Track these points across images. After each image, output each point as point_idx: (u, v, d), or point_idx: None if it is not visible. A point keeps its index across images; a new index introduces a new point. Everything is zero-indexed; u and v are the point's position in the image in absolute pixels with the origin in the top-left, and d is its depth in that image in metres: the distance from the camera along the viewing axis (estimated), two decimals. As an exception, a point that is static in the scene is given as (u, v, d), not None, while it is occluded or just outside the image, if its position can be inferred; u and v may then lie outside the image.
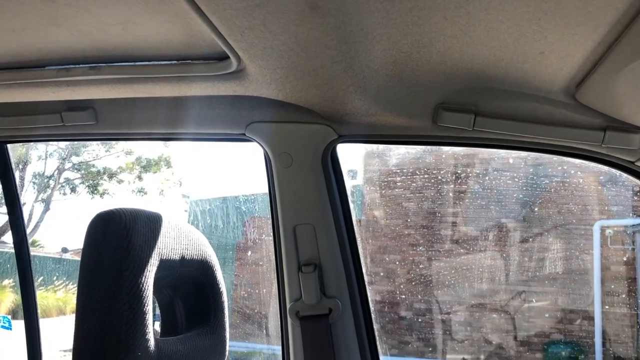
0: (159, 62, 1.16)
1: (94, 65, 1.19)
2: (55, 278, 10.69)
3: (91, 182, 14.01)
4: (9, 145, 1.76)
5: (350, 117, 1.31)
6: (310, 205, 1.40)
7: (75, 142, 11.94)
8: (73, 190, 13.91)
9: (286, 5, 0.85)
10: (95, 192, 14.16)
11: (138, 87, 1.24)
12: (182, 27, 1.02)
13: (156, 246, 1.04)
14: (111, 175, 13.95)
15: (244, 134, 1.40)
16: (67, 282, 10.65)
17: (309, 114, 1.32)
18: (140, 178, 14.32)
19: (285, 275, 1.43)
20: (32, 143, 11.03)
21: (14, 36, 1.08)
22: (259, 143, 1.40)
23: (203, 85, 1.22)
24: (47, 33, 1.06)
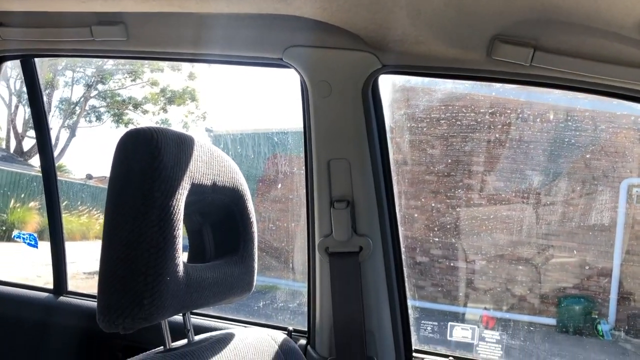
0: (197, -28, 1.08)
1: (126, -28, 1.11)
2: (79, 203, 10.90)
3: (116, 110, 14.07)
4: (36, 61, 1.71)
5: (397, 45, 1.21)
6: (347, 139, 1.33)
7: (101, 71, 11.89)
8: (98, 118, 13.97)
9: None
10: (120, 121, 14.23)
11: (172, 0, 1.16)
12: None
13: (188, 169, 0.98)
14: (136, 105, 13.97)
15: (281, 59, 1.31)
16: (90, 208, 10.87)
17: (353, 40, 1.23)
18: (164, 110, 14.33)
19: (316, 210, 1.38)
20: (59, 69, 11.02)
21: None
22: (296, 69, 1.31)
23: (242, 1, 1.13)
24: None
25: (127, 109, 14.20)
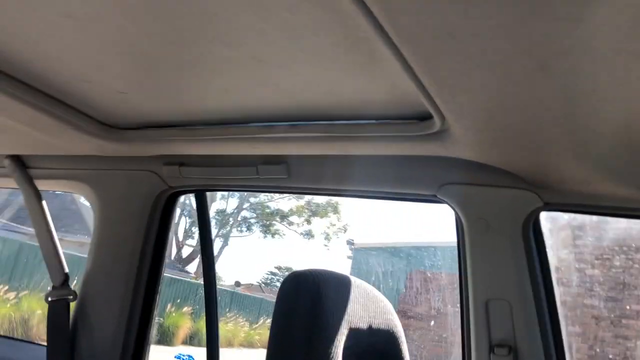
0: (357, 122, 1.15)
1: (293, 123, 1.21)
2: (227, 310, 11.42)
3: (265, 222, 14.97)
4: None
5: (560, 184, 1.16)
6: (507, 279, 1.26)
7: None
8: (249, 228, 14.95)
9: (512, 66, 0.76)
10: (268, 231, 15.09)
11: (333, 145, 1.24)
12: (386, 86, 0.99)
13: (346, 313, 0.99)
14: (283, 217, 14.78)
15: (435, 196, 1.32)
16: (237, 315, 11.30)
17: (511, 178, 1.20)
18: (308, 222, 14.96)
19: (474, 355, 1.29)
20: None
21: (226, 95, 1.14)
22: (451, 206, 1.30)
23: (399, 145, 1.17)
24: (254, 92, 1.10)
25: (274, 220, 15.07)
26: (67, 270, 1.71)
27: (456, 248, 1.37)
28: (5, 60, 1.06)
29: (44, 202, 1.72)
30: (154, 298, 1.67)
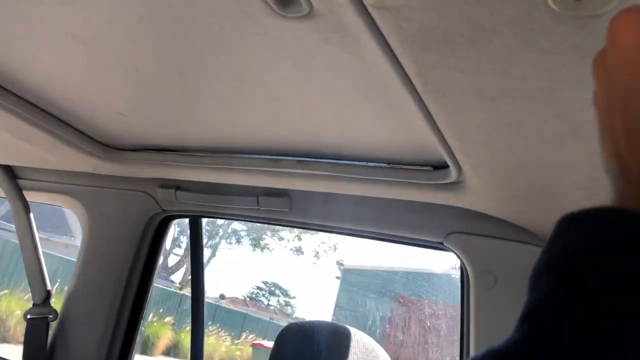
0: (368, 164, 1.09)
1: (300, 159, 1.15)
2: (209, 322, 11.25)
3: (255, 235, 14.87)
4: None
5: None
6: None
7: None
8: (238, 241, 14.84)
9: (543, 127, 0.71)
10: (257, 245, 14.98)
11: (340, 184, 1.18)
12: (403, 133, 0.93)
13: (343, 372, 0.93)
14: (273, 232, 14.68)
15: (442, 243, 1.26)
16: (219, 329, 11.13)
17: (524, 233, 1.15)
18: (299, 238, 14.89)
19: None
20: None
21: (232, 126, 1.09)
22: (458, 256, 1.25)
23: (409, 191, 1.12)
24: (262, 125, 1.05)
25: (264, 235, 14.96)
26: (49, 287, 1.64)
27: (453, 278, 1.31)
28: (3, 73, 1.00)
29: (31, 215, 1.66)
30: (137, 323, 1.60)
